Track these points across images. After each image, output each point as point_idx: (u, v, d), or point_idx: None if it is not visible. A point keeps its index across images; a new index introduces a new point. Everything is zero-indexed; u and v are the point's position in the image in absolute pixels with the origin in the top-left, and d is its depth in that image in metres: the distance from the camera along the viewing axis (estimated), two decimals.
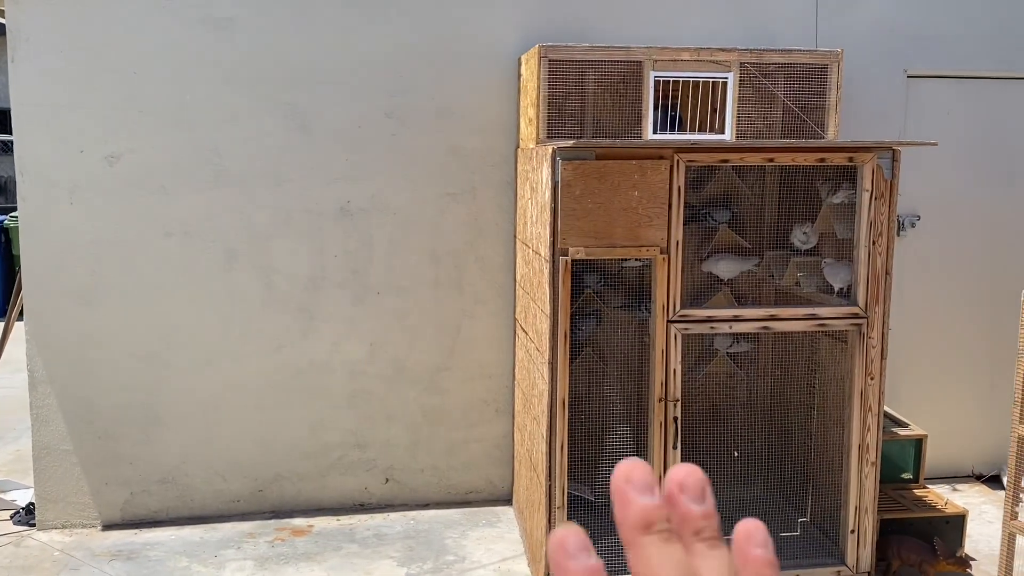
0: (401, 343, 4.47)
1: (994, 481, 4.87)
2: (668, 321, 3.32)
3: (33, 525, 4.32)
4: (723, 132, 3.94)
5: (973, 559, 3.93)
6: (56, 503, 4.32)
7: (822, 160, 3.34)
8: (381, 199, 4.37)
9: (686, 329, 3.35)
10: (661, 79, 3.90)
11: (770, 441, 4.14)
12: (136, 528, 4.32)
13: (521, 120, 4.29)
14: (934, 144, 3.53)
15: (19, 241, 4.24)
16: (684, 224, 3.30)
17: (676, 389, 3.35)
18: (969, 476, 4.95)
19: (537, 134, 3.91)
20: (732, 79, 3.93)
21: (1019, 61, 4.70)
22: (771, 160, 3.33)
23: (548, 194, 3.27)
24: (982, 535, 4.25)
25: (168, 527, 4.32)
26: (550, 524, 3.41)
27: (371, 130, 4.33)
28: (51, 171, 4.15)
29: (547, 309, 3.33)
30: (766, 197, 4.10)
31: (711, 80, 3.92)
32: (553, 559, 0.37)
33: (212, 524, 4.34)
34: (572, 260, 3.24)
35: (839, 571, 3.50)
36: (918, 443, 4.08)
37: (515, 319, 4.46)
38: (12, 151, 4.18)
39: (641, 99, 3.92)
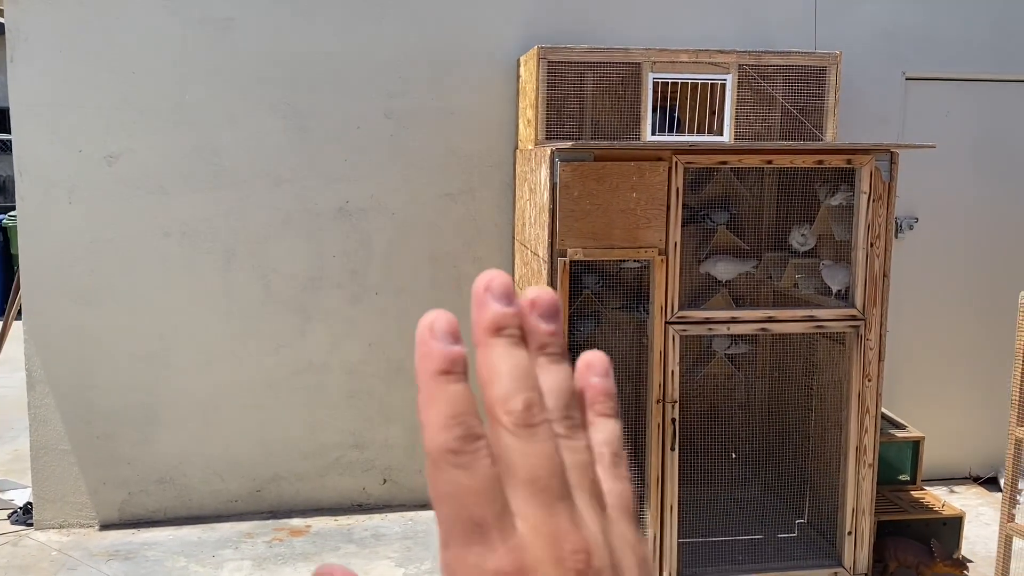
0: (399, 343, 4.47)
1: (991, 483, 4.88)
2: (666, 322, 3.32)
3: (31, 525, 4.32)
4: (721, 134, 3.94)
5: (970, 561, 3.94)
6: (54, 503, 4.32)
7: (820, 162, 3.34)
8: (380, 200, 4.37)
9: (684, 330, 3.36)
10: (660, 80, 3.91)
11: (768, 442, 4.14)
12: (134, 528, 4.31)
13: (520, 121, 4.30)
14: (932, 146, 3.54)
15: (18, 240, 4.24)
16: (682, 225, 3.30)
17: (674, 390, 3.35)
18: (966, 478, 4.96)
19: (536, 135, 3.91)
20: (731, 81, 3.93)
21: (1018, 63, 4.71)
22: (769, 162, 3.33)
23: (547, 195, 3.27)
24: (979, 537, 4.26)
25: (166, 527, 4.32)
26: None
27: (370, 131, 4.33)
28: (50, 171, 4.15)
29: None
30: (764, 199, 4.10)
31: (710, 82, 3.93)
32: (418, 339, 0.37)
33: (210, 524, 4.34)
34: (570, 261, 3.24)
35: (836, 572, 3.50)
36: (915, 445, 4.09)
37: None
38: (11, 150, 4.18)
39: (640, 101, 3.92)
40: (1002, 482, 3.59)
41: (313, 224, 4.34)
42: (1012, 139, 4.76)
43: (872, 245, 3.37)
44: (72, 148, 4.15)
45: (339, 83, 4.28)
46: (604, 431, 0.41)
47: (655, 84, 3.91)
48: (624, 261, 3.50)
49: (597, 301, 3.90)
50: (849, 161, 3.34)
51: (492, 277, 0.39)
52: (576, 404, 0.39)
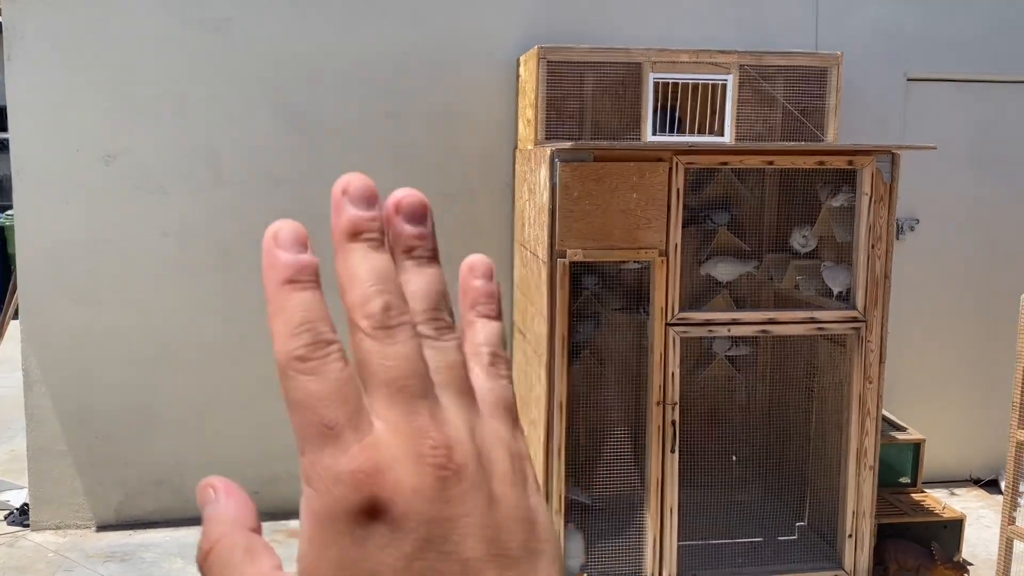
0: None
1: (992, 486, 4.87)
2: (667, 324, 3.30)
3: (27, 526, 4.30)
4: (722, 134, 3.93)
5: (970, 564, 3.92)
6: (50, 504, 4.30)
7: (821, 163, 3.33)
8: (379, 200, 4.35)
9: (685, 332, 3.34)
10: (660, 81, 3.90)
11: (768, 445, 4.13)
12: (131, 529, 4.29)
13: (520, 121, 4.28)
14: (933, 148, 3.53)
15: (15, 240, 4.22)
16: (683, 226, 3.29)
17: (675, 392, 3.33)
18: (967, 480, 4.95)
19: (536, 135, 3.89)
20: (732, 81, 3.92)
21: (1019, 64, 4.70)
22: (771, 163, 3.32)
23: (546, 196, 3.26)
24: (980, 540, 4.24)
25: (163, 528, 4.30)
26: None
27: (369, 130, 4.31)
28: (47, 170, 4.13)
29: (545, 312, 3.31)
30: (765, 200, 4.09)
31: (710, 82, 3.92)
32: (264, 249, 0.37)
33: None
34: (570, 262, 3.23)
35: (836, 575, 3.49)
36: (916, 447, 4.08)
37: (512, 321, 4.44)
38: (8, 149, 4.17)
39: (640, 101, 3.91)
40: (1003, 485, 3.58)
41: (312, 224, 4.24)
42: (1014, 140, 4.75)
43: (873, 246, 3.36)
44: (70, 147, 4.13)
45: (339, 83, 4.26)
46: (485, 331, 0.40)
47: (656, 84, 3.89)
48: (624, 262, 3.48)
49: (597, 302, 3.88)
50: (850, 162, 3.33)
51: (350, 180, 0.39)
52: (446, 306, 0.38)
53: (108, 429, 4.30)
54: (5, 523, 4.35)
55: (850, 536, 3.49)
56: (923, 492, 4.06)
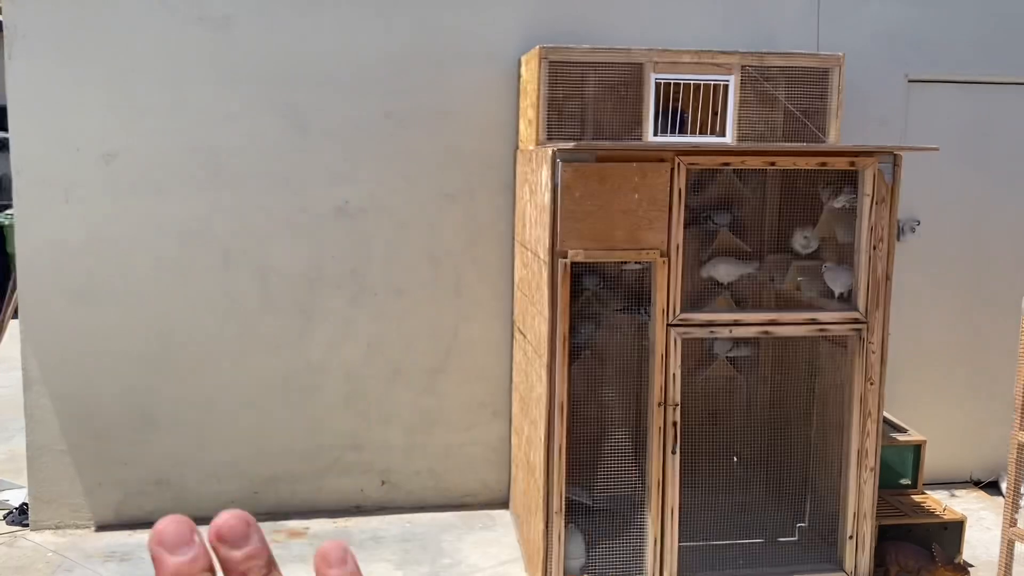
0: (398, 345, 4.45)
1: (993, 487, 4.86)
2: (668, 325, 3.30)
3: (26, 525, 4.29)
4: (724, 135, 3.92)
5: (971, 565, 3.92)
6: (50, 503, 4.29)
7: (823, 164, 3.32)
8: (379, 200, 4.35)
9: (686, 333, 3.33)
10: (662, 81, 3.89)
11: (769, 446, 4.12)
12: (130, 529, 4.29)
13: (521, 121, 4.28)
14: (935, 149, 3.52)
15: (14, 239, 4.21)
16: (684, 227, 3.28)
17: (675, 393, 3.33)
18: (968, 482, 4.94)
19: (537, 136, 3.89)
20: (733, 82, 3.91)
21: (1021, 66, 4.69)
22: (772, 164, 3.31)
23: (547, 196, 3.25)
24: (980, 541, 4.24)
25: None
26: (548, 528, 3.39)
27: (369, 130, 4.31)
28: (47, 169, 4.12)
29: (546, 312, 3.31)
30: (767, 201, 4.08)
31: (712, 83, 3.91)
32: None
33: (207, 526, 4.31)
34: (571, 263, 3.22)
35: None
36: (917, 449, 4.07)
37: (513, 322, 4.43)
38: (8, 148, 4.16)
39: (642, 101, 3.90)
40: (1004, 486, 3.57)
41: (312, 224, 4.32)
42: (1015, 142, 4.75)
43: (875, 248, 3.35)
44: (70, 147, 4.13)
45: (339, 83, 4.26)
46: None
47: (658, 85, 3.89)
48: (625, 263, 3.47)
49: (598, 303, 3.87)
50: (852, 163, 3.32)
51: (160, 530, 0.40)
52: None
53: (108, 429, 4.29)
54: (4, 523, 4.35)
55: (851, 537, 3.48)
56: (924, 494, 4.05)
